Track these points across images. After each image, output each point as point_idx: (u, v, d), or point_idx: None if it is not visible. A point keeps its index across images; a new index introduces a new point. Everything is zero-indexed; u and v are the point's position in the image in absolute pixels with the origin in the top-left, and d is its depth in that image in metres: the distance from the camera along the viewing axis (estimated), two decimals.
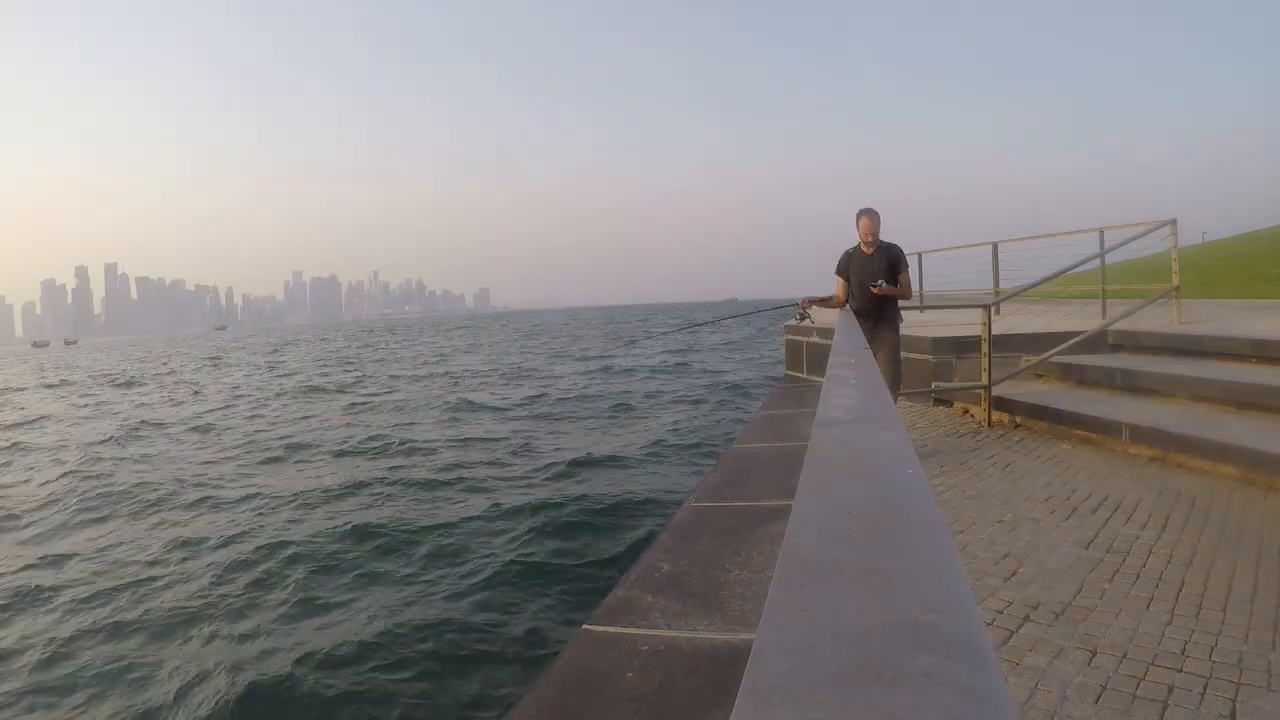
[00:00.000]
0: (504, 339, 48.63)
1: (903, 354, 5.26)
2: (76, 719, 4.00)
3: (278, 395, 19.50)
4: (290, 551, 6.25)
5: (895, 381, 4.90)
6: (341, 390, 19.93)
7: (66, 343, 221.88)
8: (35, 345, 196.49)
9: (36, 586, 5.78)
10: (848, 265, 5.04)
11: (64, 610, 5.34)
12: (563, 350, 31.47)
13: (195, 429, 14.00)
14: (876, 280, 4.86)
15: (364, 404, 16.61)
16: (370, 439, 11.49)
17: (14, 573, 6.15)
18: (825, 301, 5.29)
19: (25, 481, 10.10)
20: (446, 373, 23.16)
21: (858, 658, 0.44)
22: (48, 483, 9.76)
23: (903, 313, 5.21)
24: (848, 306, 5.04)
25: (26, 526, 7.73)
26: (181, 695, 4.09)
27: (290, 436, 12.39)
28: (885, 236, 4.97)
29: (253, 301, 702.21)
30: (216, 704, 3.96)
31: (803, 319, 5.52)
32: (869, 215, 4.92)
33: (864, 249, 4.97)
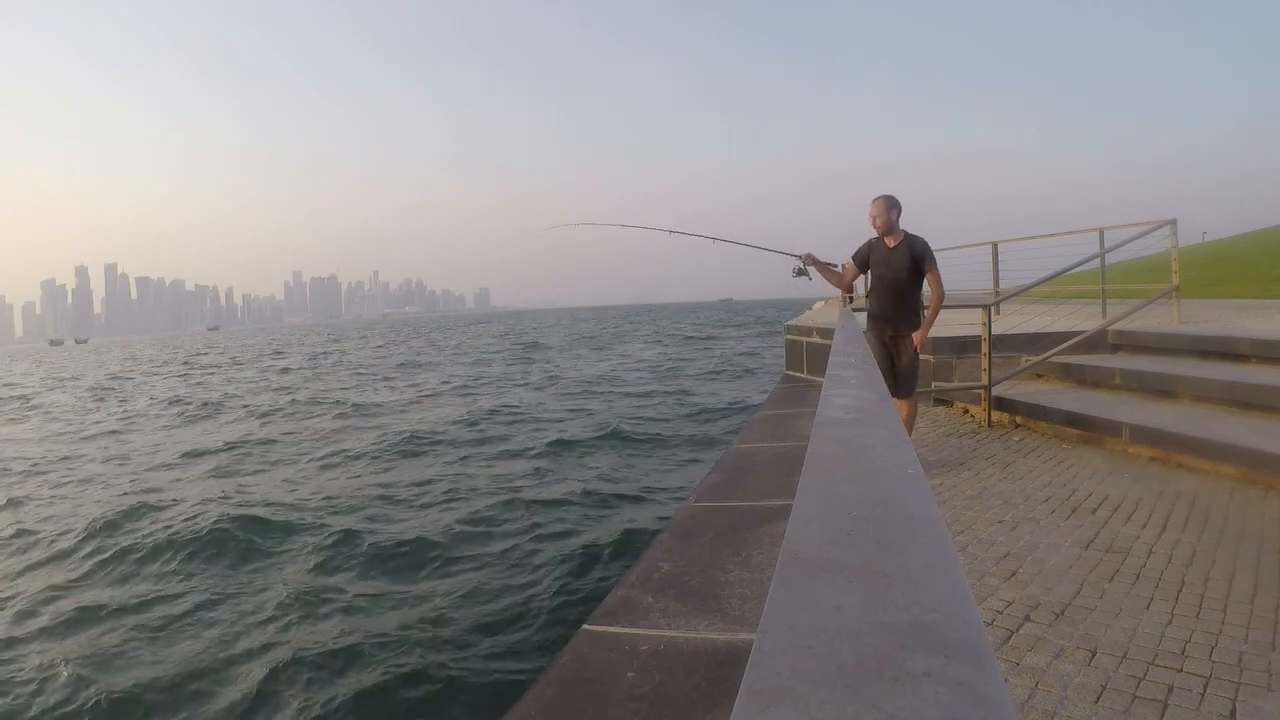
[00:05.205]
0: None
1: None
2: None
3: None
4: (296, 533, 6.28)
5: (913, 384, 4.61)
6: None
7: (77, 341, 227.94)
8: (51, 344, 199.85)
9: None
10: (867, 255, 4.55)
11: None
12: None
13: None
14: (898, 275, 4.39)
15: None
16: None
17: None
18: (830, 271, 4.74)
19: None
20: None
21: (858, 658, 0.45)
22: None
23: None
24: (849, 307, 4.97)
25: None
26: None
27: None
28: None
29: (253, 301, 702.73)
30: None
31: (799, 274, 4.79)
32: (881, 203, 4.41)
33: (886, 241, 4.45)
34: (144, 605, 5.36)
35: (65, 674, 4.37)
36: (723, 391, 15.50)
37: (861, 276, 4.77)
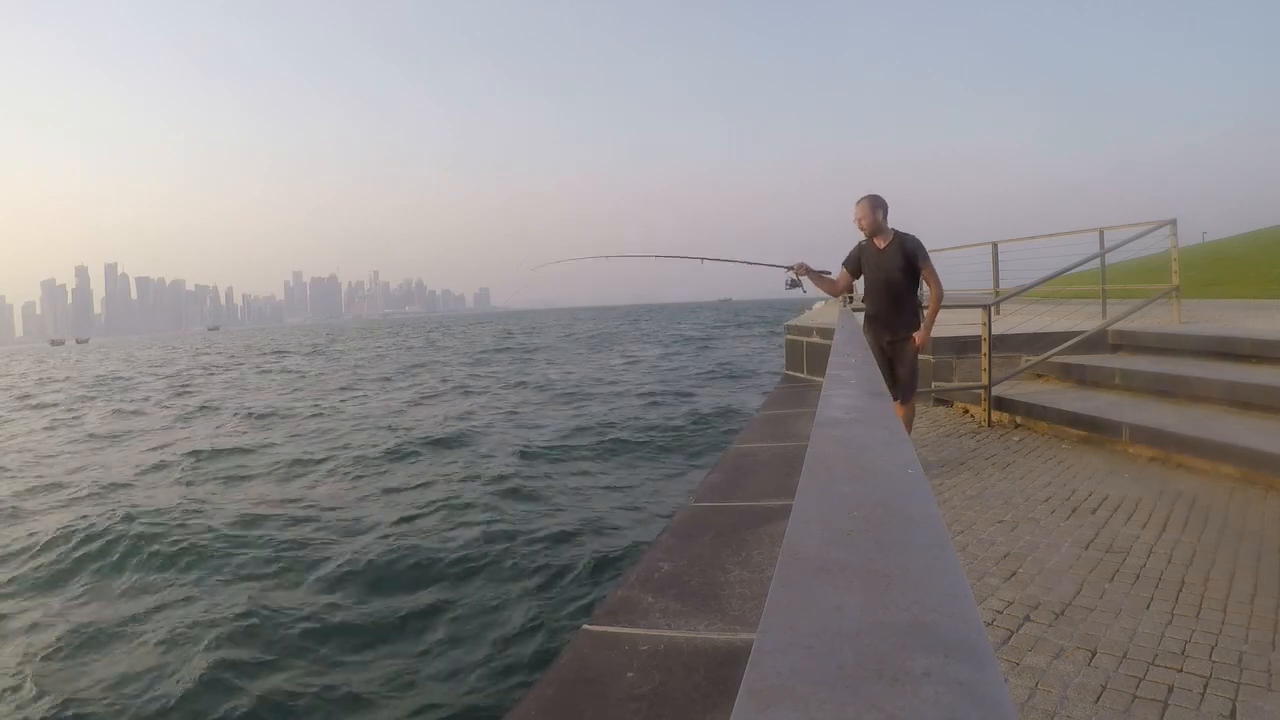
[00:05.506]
0: None
1: None
2: None
3: None
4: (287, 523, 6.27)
5: (913, 387, 4.56)
6: None
7: (78, 341, 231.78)
8: (53, 344, 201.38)
9: None
10: (858, 259, 4.46)
11: None
12: None
13: None
14: (892, 275, 4.31)
15: None
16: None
17: None
18: (823, 280, 4.69)
19: None
20: None
21: (858, 658, 0.45)
22: None
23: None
24: (848, 307, 4.96)
25: None
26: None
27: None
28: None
29: (253, 301, 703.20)
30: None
31: (793, 285, 4.78)
32: (865, 204, 4.33)
33: (875, 242, 4.38)
34: (120, 620, 5.21)
35: (29, 685, 4.28)
36: (723, 392, 15.51)
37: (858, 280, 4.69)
